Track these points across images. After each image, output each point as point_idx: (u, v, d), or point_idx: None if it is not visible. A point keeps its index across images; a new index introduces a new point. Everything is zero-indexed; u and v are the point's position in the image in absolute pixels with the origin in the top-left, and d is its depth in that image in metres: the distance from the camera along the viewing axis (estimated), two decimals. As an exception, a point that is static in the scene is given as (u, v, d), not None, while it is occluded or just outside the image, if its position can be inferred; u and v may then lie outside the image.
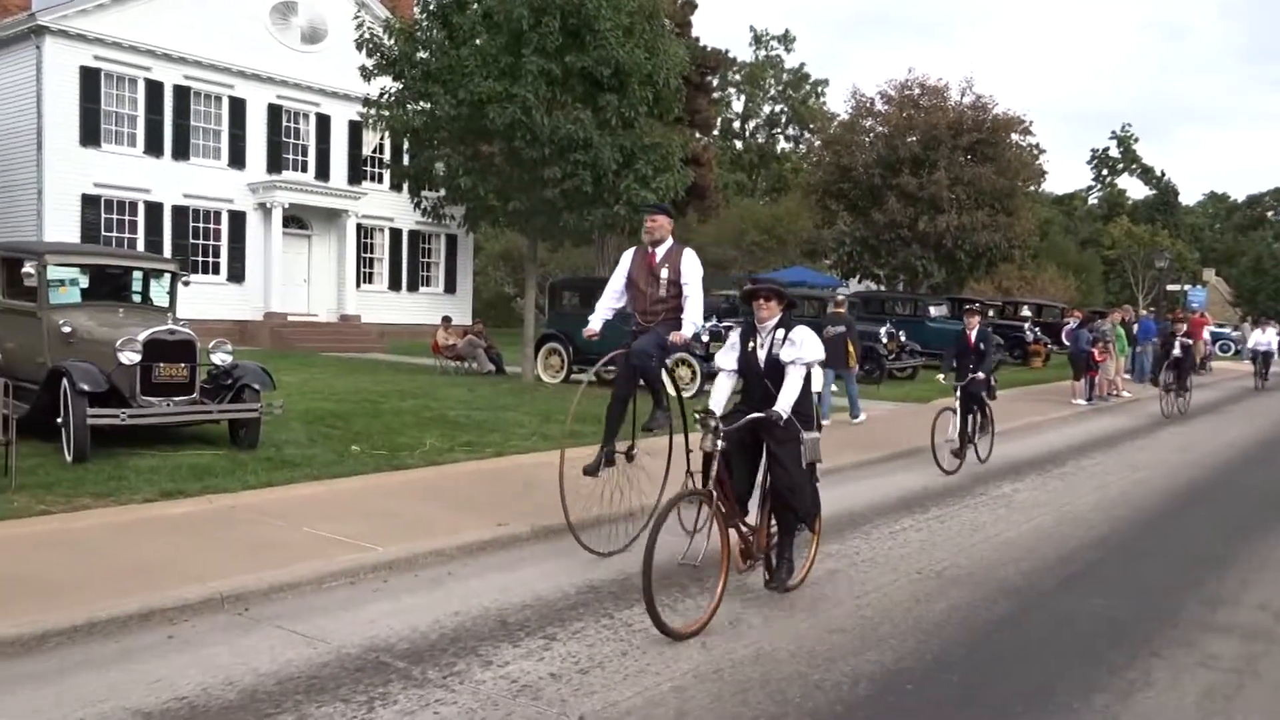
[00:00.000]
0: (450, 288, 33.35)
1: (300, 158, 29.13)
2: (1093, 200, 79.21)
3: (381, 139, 26.75)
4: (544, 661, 4.97)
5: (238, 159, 27.54)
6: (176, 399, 9.36)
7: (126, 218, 25.50)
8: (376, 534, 7.00)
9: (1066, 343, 21.19)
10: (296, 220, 28.61)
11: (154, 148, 25.87)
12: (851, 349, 14.36)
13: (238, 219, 27.59)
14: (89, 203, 24.68)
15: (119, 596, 5.39)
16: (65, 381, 8.70)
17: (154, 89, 25.82)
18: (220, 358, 9.79)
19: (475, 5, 15.70)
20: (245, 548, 6.57)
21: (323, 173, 29.45)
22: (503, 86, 14.91)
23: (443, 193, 17.14)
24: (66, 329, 9.48)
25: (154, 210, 25.90)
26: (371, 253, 31.13)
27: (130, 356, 8.99)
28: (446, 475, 9.47)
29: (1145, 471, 11.94)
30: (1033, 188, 33.48)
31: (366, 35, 15.97)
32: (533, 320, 17.93)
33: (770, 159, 64.31)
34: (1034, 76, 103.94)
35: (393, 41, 16.04)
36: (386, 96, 16.65)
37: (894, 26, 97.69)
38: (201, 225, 26.94)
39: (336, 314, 29.35)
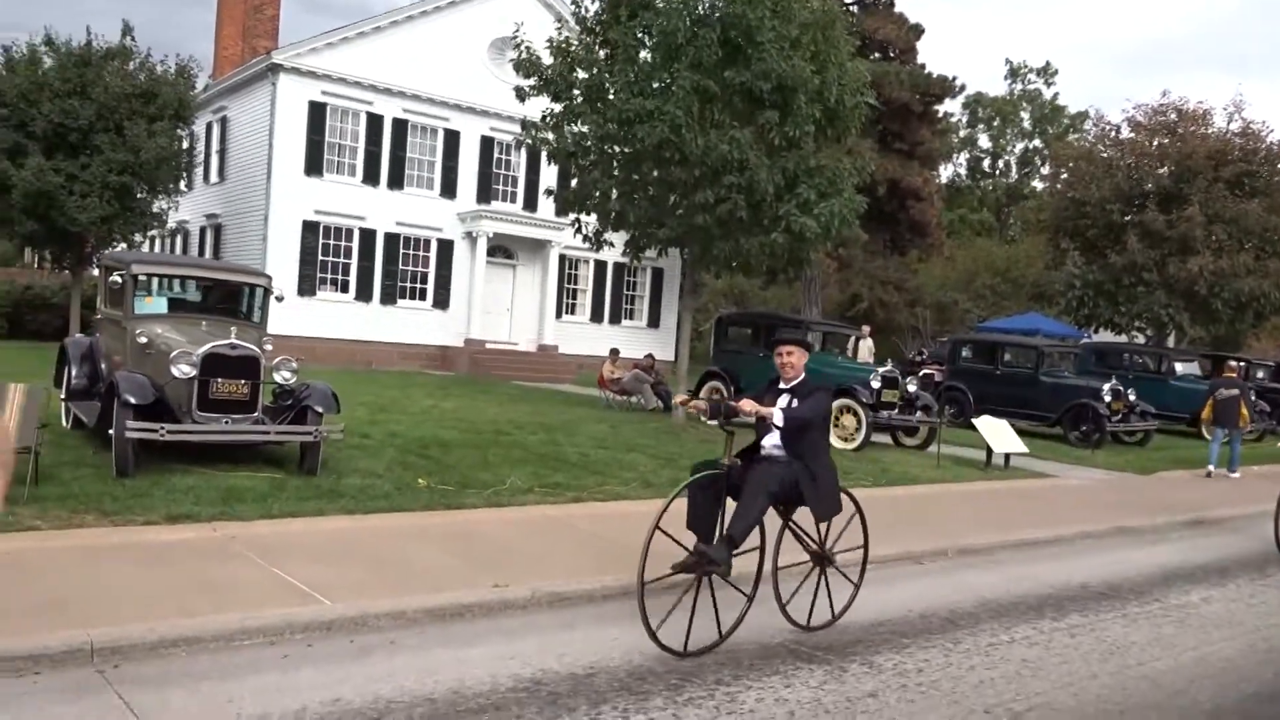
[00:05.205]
0: (654, 322, 32.79)
1: (509, 188, 29.60)
2: None
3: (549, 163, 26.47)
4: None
5: (449, 189, 28.32)
6: (235, 416, 8.95)
7: (342, 243, 26.73)
8: (348, 585, 6.08)
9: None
10: (503, 249, 29.01)
11: (371, 177, 27.02)
12: (1245, 411, 15.83)
13: (445, 247, 28.31)
14: (309, 228, 26.06)
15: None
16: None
17: (374, 122, 27.02)
18: (283, 376, 9.31)
19: (636, 19, 14.84)
20: (191, 586, 5.82)
21: (530, 203, 29.74)
22: (654, 104, 13.93)
23: (593, 218, 16.35)
24: (142, 339, 9.35)
25: (367, 236, 27.02)
26: (575, 284, 31.11)
27: (184, 370, 8.65)
28: (495, 519, 8.46)
29: None
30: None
31: (524, 55, 15.47)
32: (686, 356, 16.71)
33: (1020, 197, 59.84)
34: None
35: (554, 60, 15.47)
36: (550, 118, 16.13)
37: (1188, 62, 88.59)
38: (411, 252, 27.84)
39: (536, 343, 29.44)
